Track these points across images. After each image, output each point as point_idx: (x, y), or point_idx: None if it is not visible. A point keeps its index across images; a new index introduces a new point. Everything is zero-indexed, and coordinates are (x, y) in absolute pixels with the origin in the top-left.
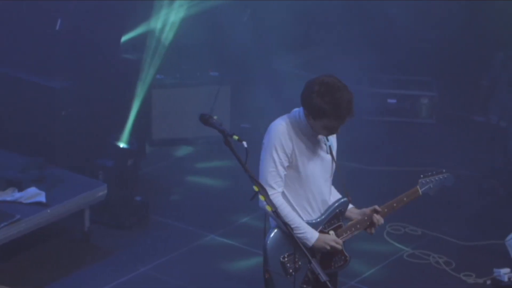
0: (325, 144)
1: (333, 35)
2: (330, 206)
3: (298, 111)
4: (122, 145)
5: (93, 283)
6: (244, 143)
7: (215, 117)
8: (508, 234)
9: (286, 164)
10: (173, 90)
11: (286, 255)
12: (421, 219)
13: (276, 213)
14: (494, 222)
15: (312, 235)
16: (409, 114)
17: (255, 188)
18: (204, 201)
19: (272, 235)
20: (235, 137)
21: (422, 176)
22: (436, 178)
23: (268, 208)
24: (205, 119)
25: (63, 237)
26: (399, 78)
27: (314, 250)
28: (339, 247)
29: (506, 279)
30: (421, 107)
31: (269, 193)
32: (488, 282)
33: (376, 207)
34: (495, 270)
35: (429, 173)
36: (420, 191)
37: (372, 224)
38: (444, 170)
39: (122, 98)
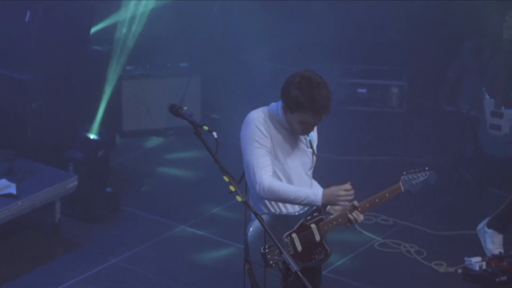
0: (305, 138)
1: (303, 26)
2: None
3: (276, 105)
4: (92, 136)
5: (64, 275)
6: (214, 134)
7: (185, 108)
8: (479, 224)
9: (269, 149)
10: (143, 81)
11: (267, 247)
12: (392, 208)
13: (246, 204)
14: (465, 211)
15: (315, 197)
16: (379, 103)
17: (226, 179)
18: (174, 192)
19: (254, 226)
20: (205, 128)
21: (404, 173)
22: (419, 176)
23: (239, 199)
24: (175, 110)
25: (33, 229)
26: (369, 68)
27: (326, 207)
28: (349, 194)
29: (477, 268)
30: (391, 96)
31: (262, 180)
32: (459, 271)
33: (355, 203)
34: (466, 259)
35: (412, 170)
36: (402, 188)
37: (349, 220)
38: (427, 168)
39: (92, 90)
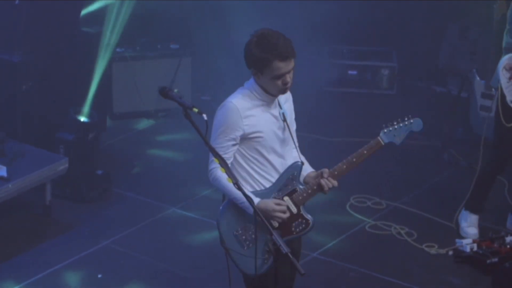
0: (279, 112)
1: (294, 7)
2: (283, 172)
3: (249, 81)
4: (82, 118)
5: (55, 257)
6: (204, 116)
7: (175, 90)
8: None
9: (234, 142)
10: (134, 63)
11: (239, 229)
12: (382, 190)
13: (237, 185)
14: (455, 192)
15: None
16: (369, 85)
17: (216, 161)
18: (165, 174)
19: (222, 210)
20: (195, 110)
21: (384, 125)
22: (401, 125)
23: (229, 181)
24: (164, 92)
25: (24, 211)
26: (359, 49)
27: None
28: (283, 215)
29: (468, 249)
30: (382, 78)
31: (210, 167)
32: (450, 252)
33: (323, 170)
34: (457, 240)
35: (393, 122)
36: (382, 141)
37: (322, 187)
38: (410, 116)
39: (82, 72)
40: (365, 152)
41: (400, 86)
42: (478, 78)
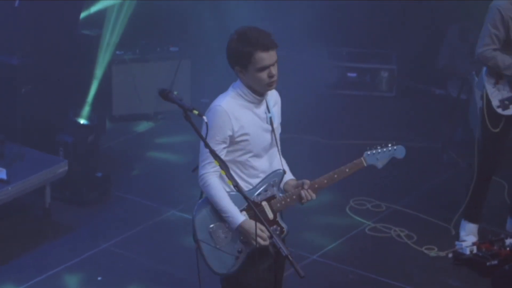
0: (266, 115)
1: (294, 8)
2: (264, 177)
3: (235, 83)
4: (82, 121)
5: (55, 260)
6: (204, 118)
7: (175, 92)
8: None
9: (225, 145)
10: (133, 66)
11: (214, 225)
12: (382, 192)
13: (237, 188)
14: (455, 194)
15: (234, 220)
16: (369, 87)
17: (216, 163)
18: (164, 177)
19: (200, 204)
20: (195, 112)
21: (368, 148)
22: (384, 150)
23: (229, 183)
24: (164, 94)
25: (24, 214)
26: (359, 51)
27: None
28: (262, 242)
29: (467, 252)
30: (381, 80)
31: (204, 173)
32: (450, 255)
33: (304, 181)
34: (457, 243)
35: (378, 146)
36: (364, 162)
37: (301, 198)
38: (394, 142)
39: (82, 74)
40: (347, 170)
41: (399, 88)
42: (477, 80)
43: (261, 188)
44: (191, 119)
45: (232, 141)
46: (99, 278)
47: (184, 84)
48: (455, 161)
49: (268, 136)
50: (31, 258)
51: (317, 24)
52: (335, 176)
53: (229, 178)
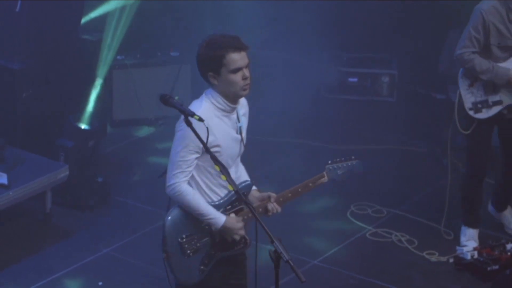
0: (237, 124)
1: (294, 13)
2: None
3: (207, 91)
4: (83, 126)
5: (56, 264)
6: (205, 123)
7: (175, 97)
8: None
9: (198, 155)
10: (134, 71)
11: (184, 236)
12: (382, 197)
13: (237, 193)
14: (456, 199)
15: (216, 221)
16: (370, 92)
17: (216, 168)
18: (165, 182)
19: (172, 214)
20: (196, 117)
21: (329, 162)
22: (344, 165)
23: (230, 188)
24: (165, 100)
25: (24, 219)
26: (360, 56)
27: (221, 234)
28: (242, 232)
29: (468, 257)
30: (382, 85)
31: (176, 183)
32: (451, 260)
33: (270, 194)
34: (457, 248)
35: (338, 159)
36: (326, 176)
37: (268, 210)
38: (353, 157)
39: (83, 79)
40: (310, 184)
41: (400, 93)
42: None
43: (231, 200)
44: (191, 124)
45: (204, 151)
46: (99, 283)
47: (184, 89)
48: (455, 165)
49: (237, 146)
50: (32, 262)
51: (317, 28)
52: (299, 190)
53: (229, 183)
